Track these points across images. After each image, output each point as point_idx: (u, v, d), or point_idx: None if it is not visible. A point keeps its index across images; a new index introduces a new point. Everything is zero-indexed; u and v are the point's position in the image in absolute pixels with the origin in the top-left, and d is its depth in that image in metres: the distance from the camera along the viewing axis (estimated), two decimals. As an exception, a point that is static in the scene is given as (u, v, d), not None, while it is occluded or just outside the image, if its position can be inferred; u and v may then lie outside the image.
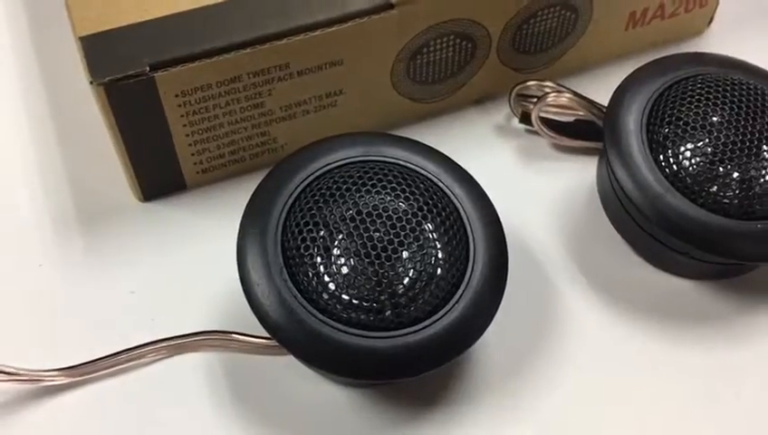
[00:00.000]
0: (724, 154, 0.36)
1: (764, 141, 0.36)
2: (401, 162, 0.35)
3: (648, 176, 0.36)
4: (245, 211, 0.34)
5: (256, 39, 0.36)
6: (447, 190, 0.35)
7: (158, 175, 0.40)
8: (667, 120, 0.37)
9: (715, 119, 0.37)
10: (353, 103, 0.41)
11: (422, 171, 0.35)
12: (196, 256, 0.39)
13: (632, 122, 0.38)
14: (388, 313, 0.32)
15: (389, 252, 0.32)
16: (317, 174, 0.35)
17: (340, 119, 0.41)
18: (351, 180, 0.34)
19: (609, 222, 0.41)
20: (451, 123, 0.44)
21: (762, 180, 0.36)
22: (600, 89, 0.41)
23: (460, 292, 0.33)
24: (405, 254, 0.33)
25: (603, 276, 0.39)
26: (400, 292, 0.32)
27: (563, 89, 0.42)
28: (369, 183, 0.34)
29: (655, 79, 0.39)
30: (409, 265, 0.33)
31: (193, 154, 0.40)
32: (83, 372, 0.35)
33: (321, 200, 0.33)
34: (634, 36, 0.46)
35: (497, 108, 0.45)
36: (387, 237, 0.32)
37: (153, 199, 0.41)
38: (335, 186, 0.34)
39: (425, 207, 0.34)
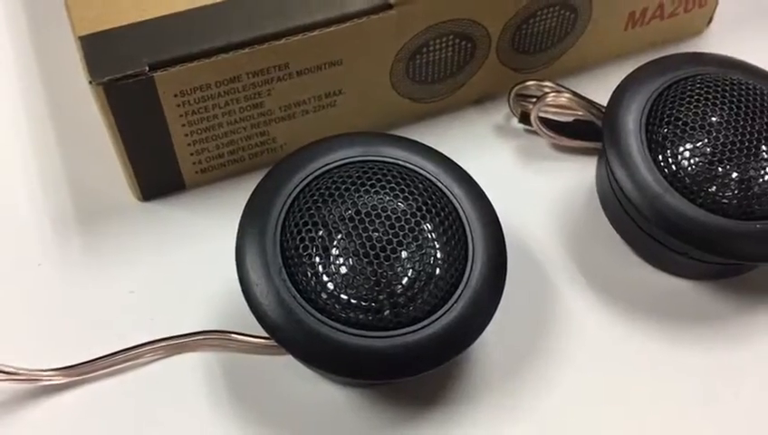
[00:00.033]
0: (723, 154, 0.36)
1: (763, 141, 0.37)
2: (400, 162, 0.35)
3: (646, 176, 0.36)
4: (244, 211, 0.34)
5: (255, 39, 0.36)
6: (446, 190, 0.35)
7: (157, 175, 0.40)
8: (666, 120, 0.37)
9: (714, 119, 0.37)
10: (352, 103, 0.41)
11: (421, 171, 0.35)
12: (195, 256, 0.39)
13: (631, 122, 0.38)
14: (387, 312, 0.32)
15: (388, 252, 0.32)
16: (316, 174, 0.35)
17: (339, 119, 0.41)
18: (350, 180, 0.34)
19: (608, 222, 0.41)
20: (450, 123, 0.44)
21: (760, 180, 0.36)
22: (600, 89, 0.41)
23: (459, 292, 0.33)
24: (404, 254, 0.33)
25: (602, 276, 0.39)
26: (399, 292, 0.32)
27: (562, 89, 0.42)
28: (368, 183, 0.34)
29: (654, 79, 0.39)
30: (408, 265, 0.33)
31: (192, 154, 0.40)
32: (82, 372, 0.35)
33: (320, 200, 0.33)
34: (633, 36, 0.46)
35: (496, 108, 0.45)
36: (386, 237, 0.32)
37: (152, 199, 0.41)
38: (334, 186, 0.34)
39: (424, 207, 0.34)
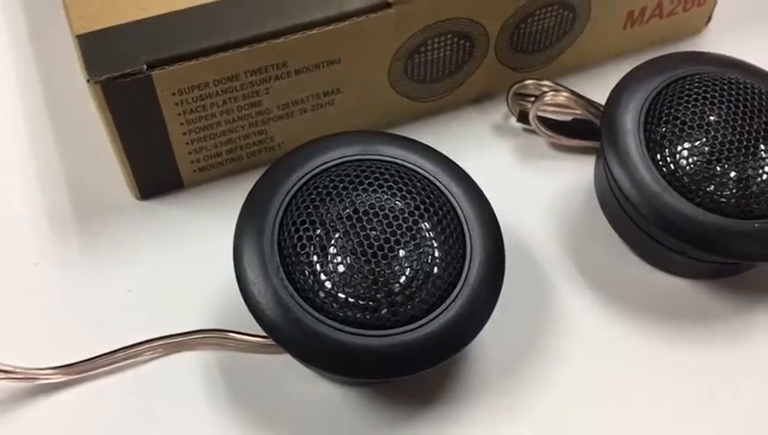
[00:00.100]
0: (722, 153, 0.36)
1: (761, 140, 0.36)
2: (398, 161, 0.35)
3: (645, 175, 0.36)
4: (242, 210, 0.34)
5: (254, 37, 0.36)
6: (444, 189, 0.35)
7: (156, 173, 0.40)
8: (664, 119, 0.37)
9: (712, 118, 0.37)
10: (351, 102, 0.41)
11: (419, 170, 0.35)
12: (193, 255, 0.39)
13: (630, 121, 0.38)
14: (385, 311, 0.32)
15: (386, 250, 0.32)
16: (314, 173, 0.35)
17: (337, 117, 0.41)
18: (348, 179, 0.34)
19: (607, 221, 0.41)
20: (449, 122, 0.44)
21: (759, 179, 0.36)
22: (598, 88, 0.41)
23: (457, 290, 0.33)
24: (401, 252, 0.33)
25: (600, 275, 0.39)
26: (397, 290, 0.32)
27: (561, 88, 0.42)
28: (366, 182, 0.34)
29: (652, 78, 0.39)
30: (406, 264, 0.33)
31: (190, 152, 0.40)
32: (80, 371, 0.35)
33: (318, 199, 0.33)
34: (632, 35, 0.46)
35: (495, 107, 0.45)
36: (383, 236, 0.32)
37: (150, 198, 0.41)
38: (332, 184, 0.34)
39: (421, 206, 0.34)
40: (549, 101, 0.42)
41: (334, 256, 0.32)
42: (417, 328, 0.32)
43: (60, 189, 0.41)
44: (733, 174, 0.36)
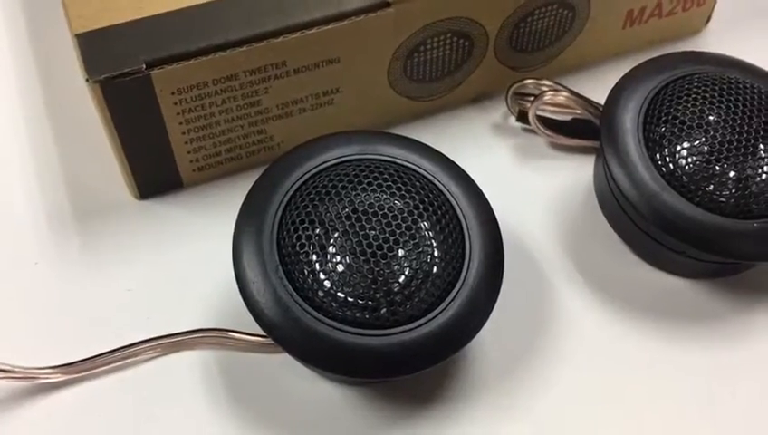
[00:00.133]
0: (721, 153, 0.36)
1: (761, 140, 0.36)
2: (397, 160, 0.35)
3: (644, 174, 0.36)
4: (241, 209, 0.34)
5: (253, 37, 0.36)
6: (444, 188, 0.35)
7: (155, 173, 0.40)
8: (663, 118, 0.37)
9: (711, 118, 0.37)
10: (350, 101, 0.41)
11: (418, 169, 0.35)
12: (193, 254, 0.39)
13: (629, 121, 0.38)
14: (384, 310, 0.32)
15: (385, 250, 0.32)
16: (313, 172, 0.35)
17: (336, 117, 0.41)
18: (347, 178, 0.34)
19: (606, 221, 0.41)
20: (448, 122, 0.44)
21: (758, 179, 0.36)
22: (598, 87, 0.41)
23: (456, 290, 0.33)
24: (401, 252, 0.33)
25: (600, 275, 0.39)
26: (396, 290, 0.32)
27: (560, 87, 0.42)
28: (365, 181, 0.34)
29: (652, 77, 0.39)
30: (405, 263, 0.33)
31: (189, 152, 0.40)
32: (79, 370, 0.35)
33: (317, 198, 0.33)
34: (631, 35, 0.46)
35: (494, 106, 0.45)
36: (382, 235, 0.32)
37: (149, 197, 0.41)
38: (331, 184, 0.34)
39: (421, 206, 0.34)
40: (548, 101, 0.42)
41: (333, 255, 0.32)
42: (416, 328, 0.32)
43: (59, 189, 0.41)
44: (732, 174, 0.36)
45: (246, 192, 0.35)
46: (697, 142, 0.37)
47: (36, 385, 0.35)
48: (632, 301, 0.39)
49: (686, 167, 0.36)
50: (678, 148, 0.37)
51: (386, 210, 0.33)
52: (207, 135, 0.39)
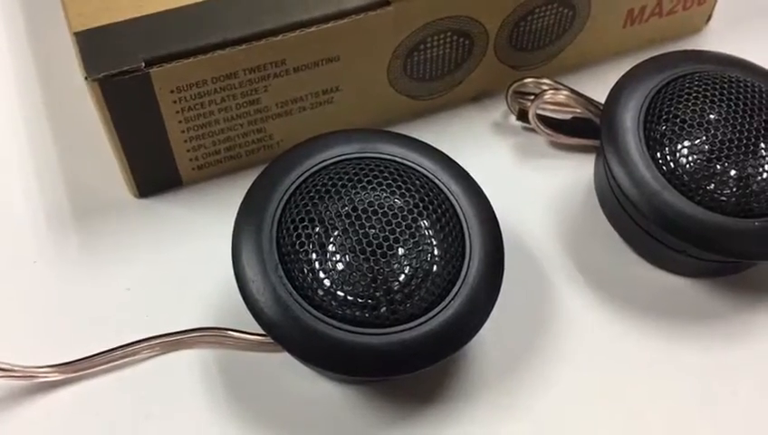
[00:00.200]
0: (722, 152, 0.36)
1: (762, 139, 0.36)
2: (397, 159, 0.35)
3: (644, 173, 0.36)
4: (241, 208, 0.34)
5: (252, 35, 0.36)
6: (444, 187, 0.35)
7: (154, 171, 0.40)
8: (664, 117, 0.37)
9: (712, 116, 0.37)
10: (350, 100, 0.41)
11: (418, 168, 0.35)
12: (192, 253, 0.39)
13: (629, 120, 0.38)
14: (384, 309, 0.32)
15: (385, 248, 0.32)
16: (312, 170, 0.35)
17: (336, 115, 0.41)
18: (347, 177, 0.34)
19: (606, 219, 0.41)
20: (448, 120, 0.44)
21: (759, 178, 0.36)
22: (598, 86, 0.41)
23: (456, 289, 0.33)
24: (400, 250, 0.32)
25: (600, 274, 0.39)
26: (396, 288, 0.32)
27: (561, 86, 0.42)
28: (365, 180, 0.34)
29: (652, 76, 0.39)
30: (405, 262, 0.32)
31: (188, 150, 0.40)
32: (78, 369, 0.35)
33: (317, 197, 0.33)
34: (632, 34, 0.46)
35: (495, 105, 0.45)
36: (382, 234, 0.32)
37: (148, 196, 0.41)
38: (330, 182, 0.34)
39: (421, 204, 0.33)
40: (548, 100, 0.42)
41: (333, 253, 0.32)
42: (416, 326, 0.32)
43: (58, 187, 0.41)
44: (733, 172, 0.36)
45: (246, 191, 0.35)
46: (698, 141, 0.36)
47: (35, 384, 0.35)
48: (633, 300, 0.38)
49: (687, 165, 0.36)
50: (679, 146, 0.37)
51: (386, 209, 0.33)
52: (207, 133, 0.39)
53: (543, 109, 0.42)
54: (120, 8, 0.36)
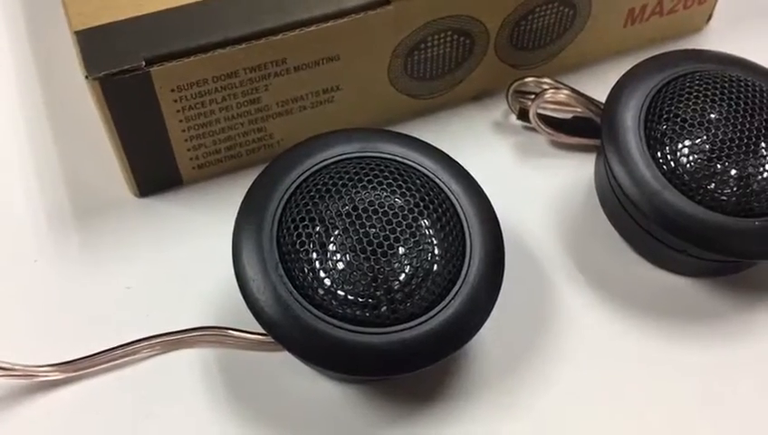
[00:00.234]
0: (722, 151, 0.36)
1: (762, 138, 0.36)
2: (398, 158, 0.35)
3: (645, 173, 0.36)
4: (241, 207, 0.34)
5: (252, 34, 0.36)
6: (444, 186, 0.35)
7: (154, 170, 0.40)
8: (664, 116, 0.37)
9: (712, 116, 0.37)
10: (350, 99, 0.41)
11: (419, 167, 0.35)
12: (192, 252, 0.39)
13: (630, 119, 0.38)
14: (384, 308, 0.32)
15: (385, 248, 0.32)
16: (313, 170, 0.35)
17: (336, 115, 0.41)
18: (348, 176, 0.34)
19: (607, 219, 0.41)
20: (449, 120, 0.44)
21: (759, 177, 0.36)
22: (599, 85, 0.41)
23: (456, 288, 0.33)
24: (401, 250, 0.32)
25: (600, 273, 0.39)
26: (396, 288, 0.32)
27: (561, 85, 0.42)
28: (366, 179, 0.33)
29: (653, 75, 0.39)
30: (405, 261, 0.32)
31: (189, 149, 0.40)
32: (78, 368, 0.35)
33: (317, 196, 0.33)
34: (632, 33, 0.46)
35: (495, 104, 0.45)
36: (383, 233, 0.32)
37: (149, 195, 0.41)
38: (331, 181, 0.34)
39: (421, 203, 0.33)
40: (549, 99, 0.42)
41: (334, 253, 0.32)
42: (416, 326, 0.32)
43: (58, 186, 0.41)
44: (733, 172, 0.36)
45: (246, 190, 0.35)
46: (699, 140, 0.36)
47: (35, 383, 0.35)
48: (633, 299, 0.38)
49: (688, 165, 0.36)
50: (680, 146, 0.37)
51: (386, 208, 0.33)
52: (207, 132, 0.39)
53: (544, 108, 0.42)
54: (121, 7, 0.36)
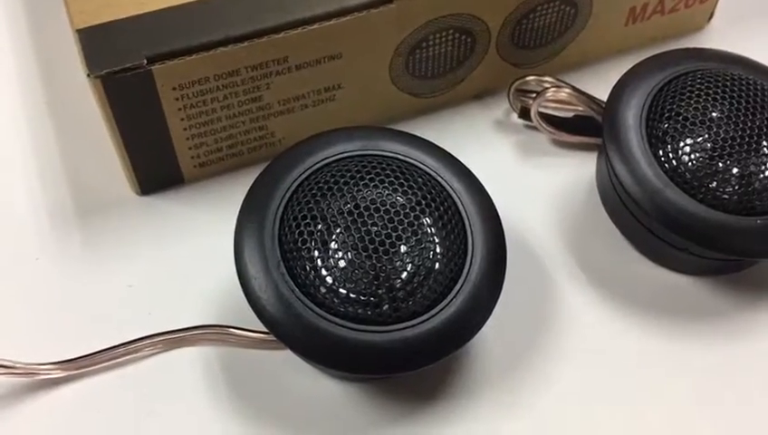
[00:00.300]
0: (724, 150, 0.36)
1: (764, 137, 0.36)
2: (399, 156, 0.35)
3: (647, 171, 0.36)
4: (243, 205, 0.34)
5: (254, 32, 0.36)
6: (446, 185, 0.35)
7: (156, 169, 0.40)
8: (666, 115, 0.37)
9: (714, 114, 0.37)
10: (352, 98, 0.41)
11: (420, 165, 0.35)
12: (194, 250, 0.39)
13: (631, 118, 0.38)
14: (386, 307, 0.32)
15: (387, 246, 0.32)
16: (315, 168, 0.35)
17: (338, 113, 0.41)
18: (349, 174, 0.34)
19: (608, 217, 0.41)
20: (450, 118, 0.44)
21: (761, 176, 0.36)
22: (600, 84, 0.41)
23: (458, 286, 0.33)
24: (403, 248, 0.32)
25: (602, 272, 0.39)
26: (398, 286, 0.32)
27: (562, 84, 0.42)
28: (367, 177, 0.33)
29: (654, 74, 0.39)
30: (407, 260, 0.32)
31: (190, 148, 0.40)
32: (80, 366, 0.35)
33: (319, 194, 0.33)
34: (634, 31, 0.46)
35: (497, 103, 0.45)
36: (385, 231, 0.32)
37: (150, 193, 0.41)
38: (333, 179, 0.34)
39: (423, 202, 0.33)
40: (550, 98, 0.42)
41: (335, 251, 0.32)
42: (418, 324, 0.32)
43: (60, 185, 0.41)
44: (735, 170, 0.36)
45: (248, 188, 0.35)
46: (700, 139, 0.36)
47: (37, 381, 0.35)
48: (634, 298, 0.38)
49: (689, 163, 0.36)
50: (681, 144, 0.37)
51: (388, 206, 0.33)
52: (209, 131, 0.39)
53: (545, 107, 0.42)
54: (122, 5, 0.36)
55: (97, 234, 0.40)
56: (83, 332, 0.36)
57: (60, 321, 0.37)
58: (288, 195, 0.34)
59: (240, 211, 0.34)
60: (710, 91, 0.37)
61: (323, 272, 0.32)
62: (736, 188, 0.36)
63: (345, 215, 0.33)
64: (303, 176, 0.34)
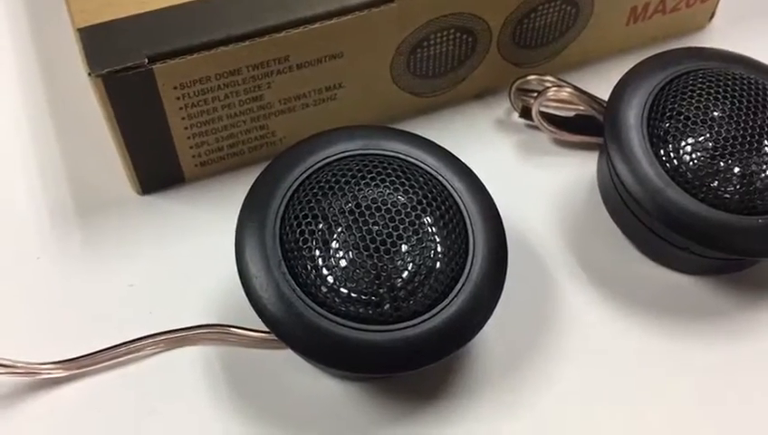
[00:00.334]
0: (725, 149, 0.36)
1: (765, 136, 0.36)
2: (401, 156, 0.35)
3: (648, 170, 0.36)
4: (244, 204, 0.34)
5: (255, 32, 0.36)
6: (447, 184, 0.35)
7: (157, 168, 0.40)
8: (667, 114, 0.37)
9: (716, 113, 0.37)
10: (353, 97, 0.41)
11: (422, 165, 0.35)
12: (195, 250, 0.39)
13: (633, 117, 0.38)
14: (387, 306, 0.32)
15: (388, 245, 0.32)
16: (316, 167, 0.35)
17: (339, 112, 0.41)
18: (350, 173, 0.34)
19: (609, 217, 0.41)
20: (451, 117, 0.44)
21: (763, 175, 0.36)
22: (601, 83, 0.41)
23: (459, 285, 0.33)
24: (404, 247, 0.32)
25: (603, 271, 0.39)
26: (399, 285, 0.32)
27: (564, 83, 0.42)
28: (369, 176, 0.33)
29: (656, 73, 0.39)
30: (408, 259, 0.32)
31: (191, 147, 0.40)
32: (81, 365, 0.35)
33: (320, 193, 0.33)
34: (635, 31, 0.46)
35: (498, 102, 0.45)
36: (386, 231, 0.32)
37: (151, 192, 0.41)
38: (334, 179, 0.34)
39: (424, 201, 0.33)
40: (552, 97, 0.42)
41: (336, 250, 0.32)
42: (419, 323, 0.32)
43: (61, 184, 0.41)
44: (736, 170, 0.36)
45: (249, 187, 0.35)
46: (702, 138, 0.36)
47: (38, 381, 0.35)
48: (635, 297, 0.38)
49: (691, 163, 0.36)
50: (683, 144, 0.36)
51: (389, 205, 0.33)
52: (210, 130, 0.39)
53: (546, 106, 0.42)
54: (123, 4, 0.36)
55: (98, 233, 0.40)
56: (84, 331, 0.36)
57: (61, 320, 0.37)
58: (289, 194, 0.34)
59: (241, 210, 0.34)
60: (711, 91, 0.37)
61: (324, 271, 0.32)
62: (738, 187, 0.36)
63: (346, 214, 0.33)
64: (304, 175, 0.34)
